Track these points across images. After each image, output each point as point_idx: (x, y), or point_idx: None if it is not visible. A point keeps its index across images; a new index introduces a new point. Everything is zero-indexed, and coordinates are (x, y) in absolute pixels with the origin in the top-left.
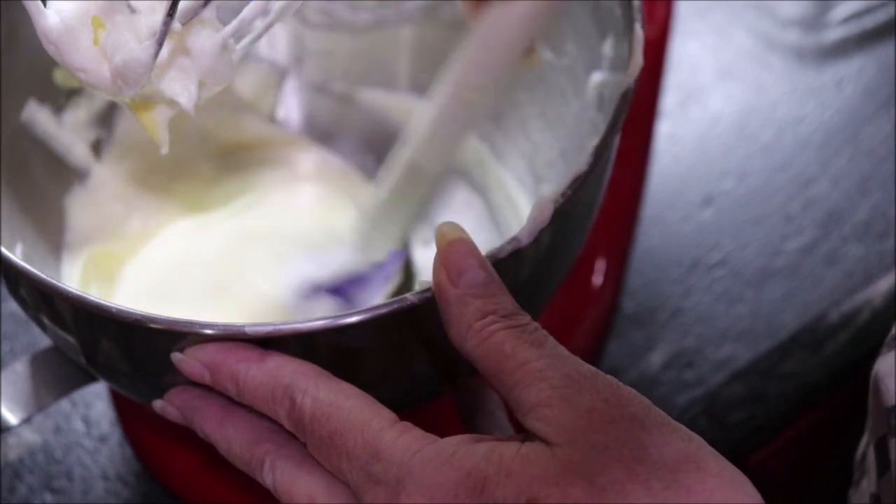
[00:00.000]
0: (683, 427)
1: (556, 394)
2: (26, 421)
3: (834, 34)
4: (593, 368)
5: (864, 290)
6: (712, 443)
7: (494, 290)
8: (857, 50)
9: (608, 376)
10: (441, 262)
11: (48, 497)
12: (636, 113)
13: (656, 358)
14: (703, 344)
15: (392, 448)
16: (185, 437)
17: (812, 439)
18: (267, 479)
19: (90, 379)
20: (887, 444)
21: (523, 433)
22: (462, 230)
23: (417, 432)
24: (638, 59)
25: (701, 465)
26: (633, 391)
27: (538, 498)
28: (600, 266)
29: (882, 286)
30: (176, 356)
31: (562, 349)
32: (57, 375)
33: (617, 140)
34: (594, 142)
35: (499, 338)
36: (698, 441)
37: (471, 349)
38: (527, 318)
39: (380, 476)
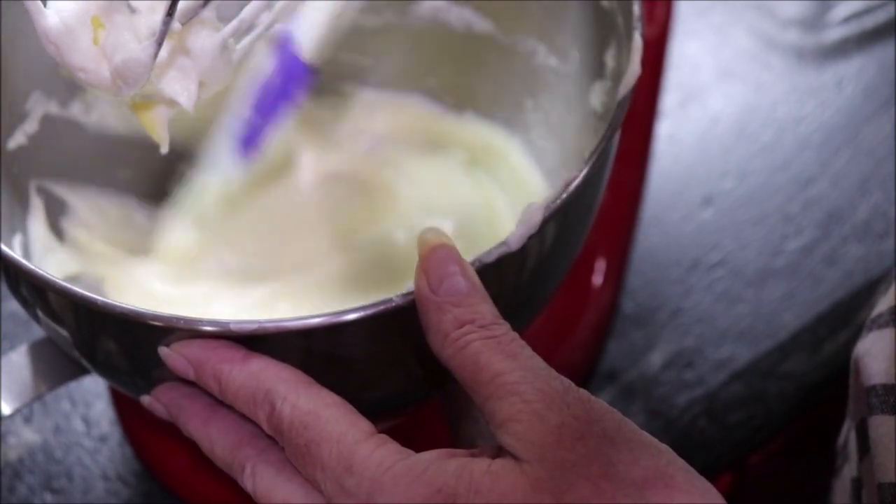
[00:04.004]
0: (654, 441)
1: (527, 408)
2: (21, 409)
3: (834, 34)
4: (566, 382)
5: (864, 290)
6: (712, 442)
7: (474, 299)
8: (857, 50)
9: (580, 390)
10: (422, 268)
11: (48, 497)
12: (636, 113)
13: (656, 358)
14: (703, 344)
15: (365, 462)
16: (185, 436)
17: (812, 439)
18: (247, 483)
19: (86, 370)
20: (867, 424)
21: (498, 446)
22: (445, 236)
23: (392, 446)
24: (635, 68)
25: (669, 482)
26: (605, 405)
27: None
28: (600, 266)
29: (882, 286)
30: (163, 350)
31: (537, 361)
32: (54, 366)
33: (614, 146)
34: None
35: (474, 348)
36: (668, 456)
37: (447, 358)
38: (504, 328)
39: (352, 490)
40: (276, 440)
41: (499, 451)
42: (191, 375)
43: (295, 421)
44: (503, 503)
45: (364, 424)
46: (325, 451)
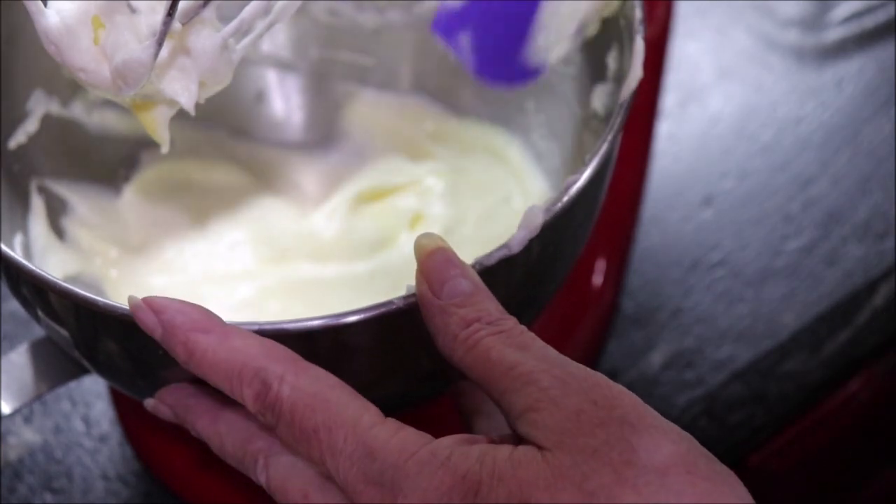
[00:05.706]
0: (675, 427)
1: (544, 396)
2: (21, 409)
3: (834, 34)
4: (582, 367)
5: (864, 290)
6: (712, 442)
7: (478, 298)
8: (857, 50)
9: (598, 375)
10: (422, 273)
11: (48, 497)
12: (636, 113)
13: (656, 358)
14: (703, 344)
15: (386, 448)
16: (186, 436)
17: (812, 439)
18: (261, 477)
19: (86, 370)
20: None
21: (519, 436)
22: (441, 240)
23: (410, 431)
24: (637, 72)
25: (690, 469)
26: (623, 389)
27: (529, 501)
28: (600, 266)
29: (882, 286)
30: (132, 302)
31: (550, 350)
32: (54, 366)
33: (615, 149)
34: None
35: (485, 345)
36: (689, 442)
37: (459, 359)
38: (511, 321)
39: (375, 477)
40: (262, 419)
41: (520, 440)
42: (157, 336)
43: (299, 403)
44: (525, 490)
45: (373, 408)
46: (338, 437)
